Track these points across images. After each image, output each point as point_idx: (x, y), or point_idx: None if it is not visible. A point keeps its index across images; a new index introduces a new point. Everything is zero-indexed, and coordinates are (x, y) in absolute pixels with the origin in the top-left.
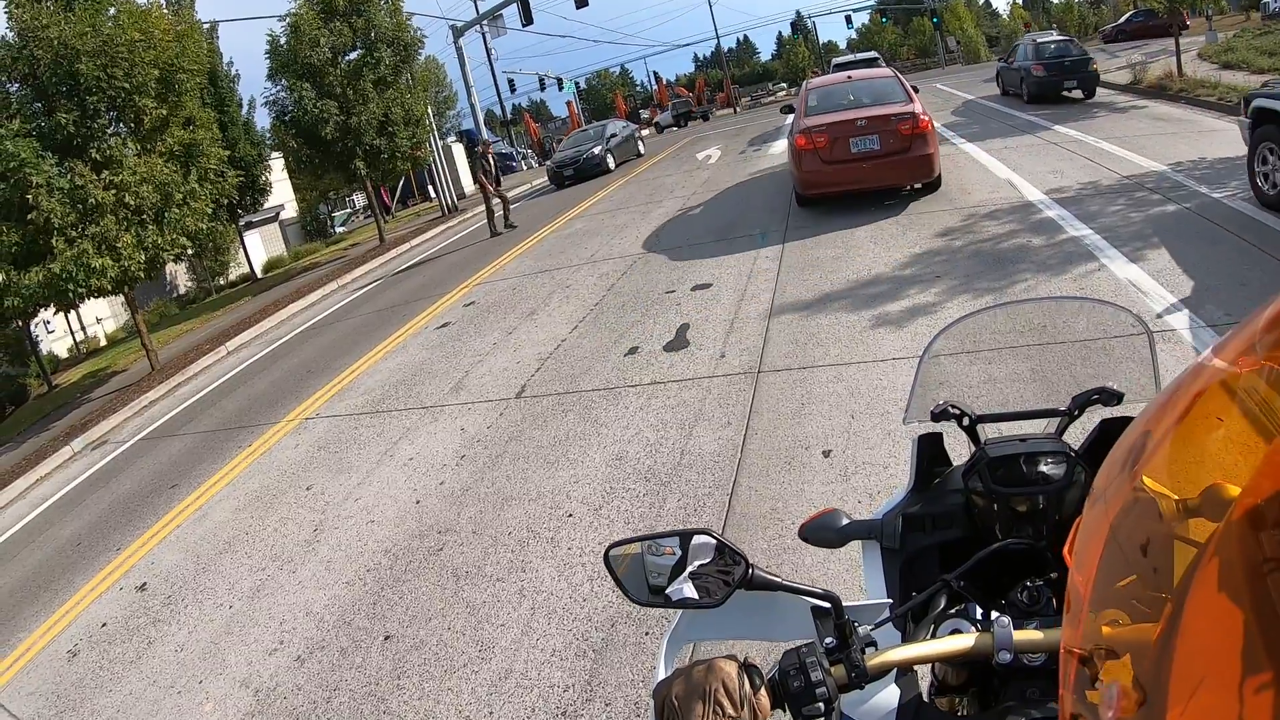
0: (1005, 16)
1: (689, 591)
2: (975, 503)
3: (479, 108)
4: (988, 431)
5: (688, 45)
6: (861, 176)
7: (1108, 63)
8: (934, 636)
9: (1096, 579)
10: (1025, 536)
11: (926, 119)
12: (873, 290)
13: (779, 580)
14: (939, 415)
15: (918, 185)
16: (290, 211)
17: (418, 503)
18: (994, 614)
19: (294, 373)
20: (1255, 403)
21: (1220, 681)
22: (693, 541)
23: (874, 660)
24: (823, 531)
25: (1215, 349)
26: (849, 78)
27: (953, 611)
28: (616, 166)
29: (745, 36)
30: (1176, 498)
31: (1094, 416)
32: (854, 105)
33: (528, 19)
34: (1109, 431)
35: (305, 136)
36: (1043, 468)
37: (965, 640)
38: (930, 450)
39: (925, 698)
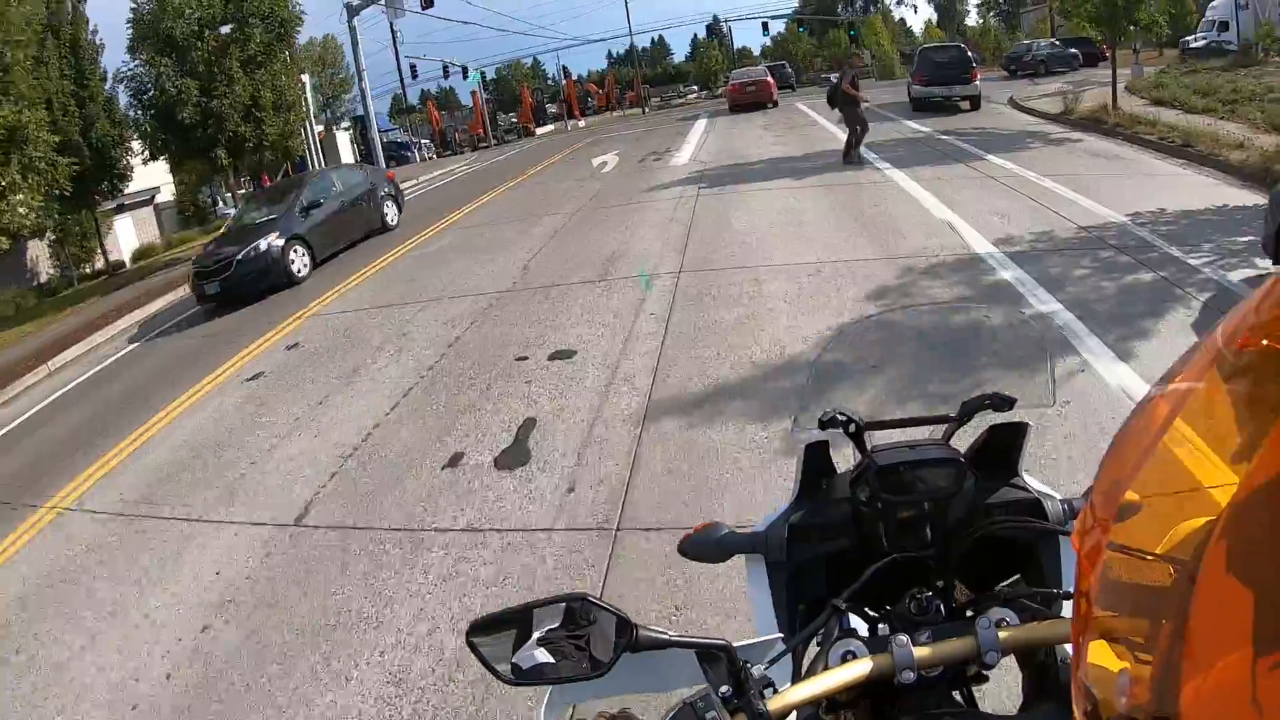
0: (919, 35)
1: (542, 658)
2: (862, 512)
3: (370, 93)
4: (876, 439)
5: (601, 41)
6: (748, 99)
7: (1029, 90)
8: (827, 664)
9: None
10: (912, 544)
11: (770, 83)
12: (786, 383)
13: (667, 637)
14: (827, 423)
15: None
16: (169, 194)
17: None
18: (882, 627)
19: (92, 422)
20: (1260, 382)
21: (1233, 663)
22: (566, 608)
23: (776, 704)
24: (704, 546)
25: (1221, 328)
26: (747, 74)
27: (841, 632)
28: (315, 268)
29: (660, 36)
30: (1185, 480)
31: (984, 421)
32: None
33: (427, 1)
34: (997, 437)
35: (161, 119)
36: (930, 475)
37: (864, 666)
38: (817, 459)
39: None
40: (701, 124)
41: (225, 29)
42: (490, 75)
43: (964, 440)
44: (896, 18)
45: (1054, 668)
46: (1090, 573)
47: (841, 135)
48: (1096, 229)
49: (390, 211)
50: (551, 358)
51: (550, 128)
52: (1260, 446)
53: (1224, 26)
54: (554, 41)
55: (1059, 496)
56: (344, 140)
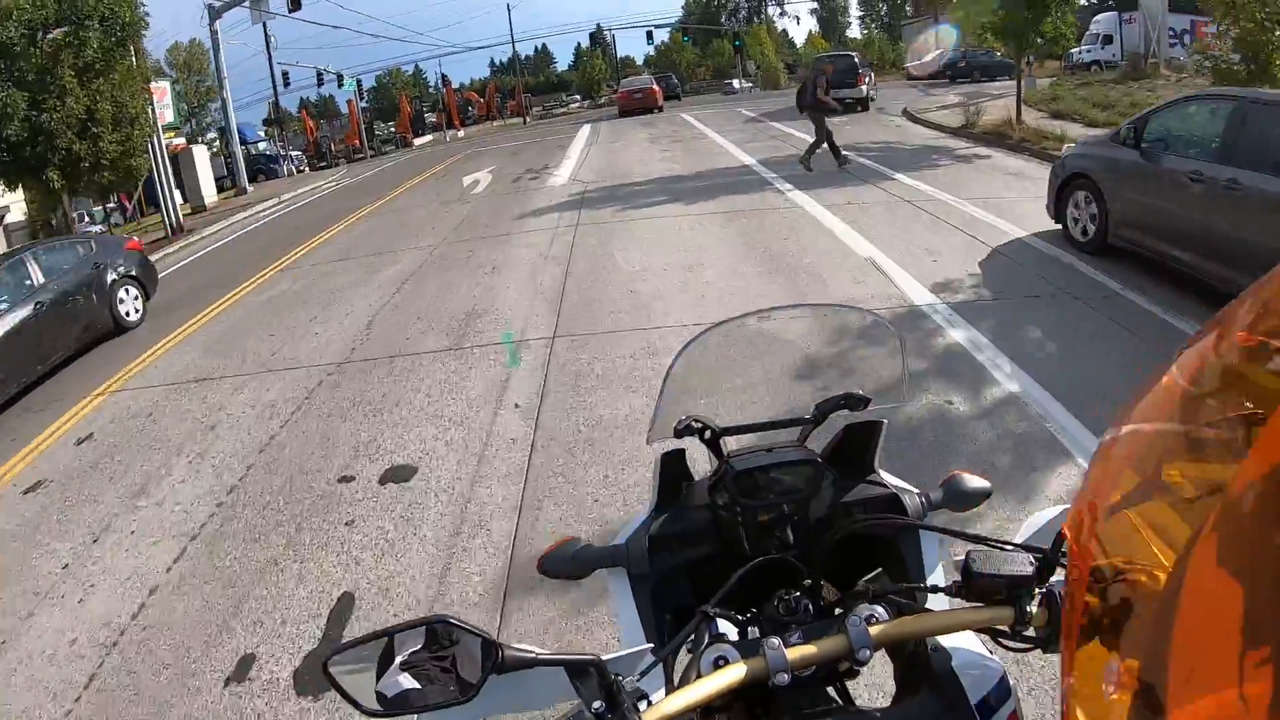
0: (801, 46)
1: (407, 684)
2: (722, 517)
3: (231, 103)
4: (733, 444)
5: (484, 48)
6: (636, 105)
7: (924, 101)
8: (700, 671)
9: (1095, 559)
10: (775, 546)
11: (656, 90)
12: None
13: (534, 655)
14: (682, 431)
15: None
16: (19, 214)
17: None
18: (752, 630)
19: None
20: (1252, 377)
21: (1220, 656)
22: (428, 630)
23: (651, 716)
24: (563, 563)
25: (1217, 322)
26: (635, 83)
27: (710, 638)
28: None
29: (544, 45)
30: (1177, 474)
31: (840, 421)
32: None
33: (295, 4)
34: (852, 436)
35: None
36: (788, 476)
37: (738, 671)
38: (674, 467)
39: None
40: (584, 136)
41: (57, 33)
42: (369, 83)
43: (821, 441)
44: (779, 29)
45: (924, 657)
46: (1079, 583)
47: (734, 150)
48: (1039, 268)
49: (129, 304)
50: (383, 479)
51: (429, 138)
52: (1253, 444)
53: (1108, 40)
54: (435, 48)
55: (915, 490)
56: (202, 156)
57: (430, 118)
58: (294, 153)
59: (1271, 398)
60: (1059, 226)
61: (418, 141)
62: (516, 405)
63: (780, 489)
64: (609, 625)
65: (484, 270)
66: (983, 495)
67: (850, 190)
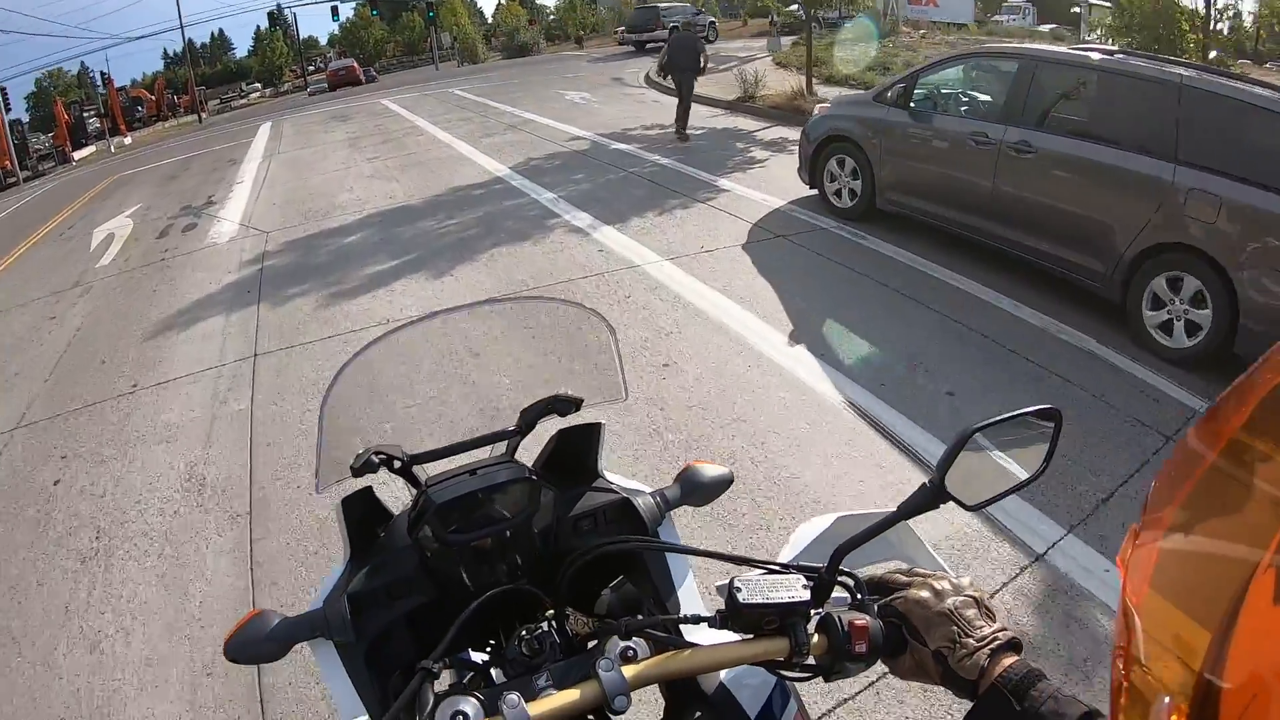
0: (492, 15)
1: None
2: (431, 556)
3: None
4: (432, 470)
5: (150, 37)
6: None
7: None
8: None
9: (1149, 590)
10: (502, 575)
11: (357, 67)
12: None
13: None
14: (362, 469)
15: None
16: None
17: None
18: (497, 672)
19: None
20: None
21: (1275, 692)
22: None
23: None
24: (254, 645)
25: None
26: (341, 64)
27: (435, 697)
28: None
29: (220, 30)
30: (1236, 515)
31: (550, 427)
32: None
33: None
34: (568, 441)
35: None
36: (500, 499)
37: None
38: (361, 510)
39: None
40: (264, 137)
41: None
42: (26, 89)
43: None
44: None
45: (693, 682)
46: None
47: (469, 151)
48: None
49: None
50: None
51: (91, 149)
52: None
53: None
54: (86, 42)
55: (648, 490)
56: None
57: (94, 123)
58: None
59: None
60: (814, 192)
61: (78, 155)
62: None
63: (494, 513)
64: None
65: (83, 543)
66: (723, 485)
67: (684, 220)
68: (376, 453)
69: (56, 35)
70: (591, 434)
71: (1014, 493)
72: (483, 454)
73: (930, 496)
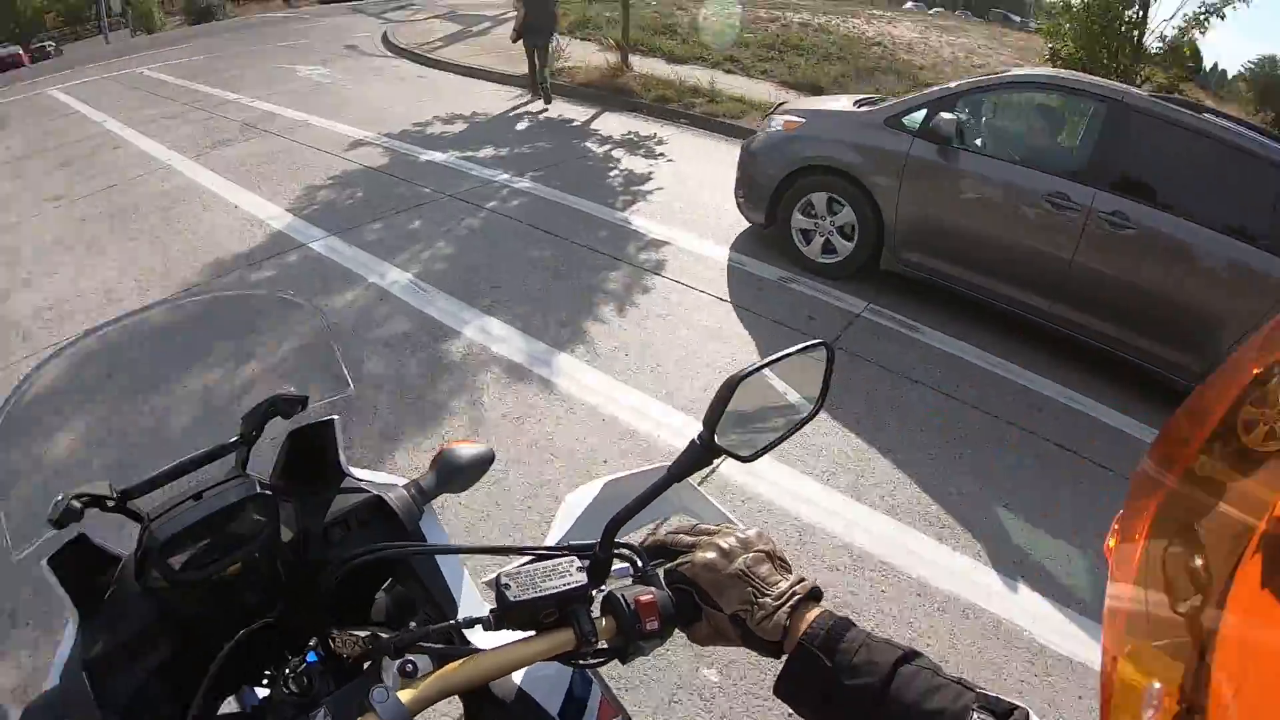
0: None
1: None
2: (167, 599)
3: None
4: (155, 501)
5: None
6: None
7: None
8: None
9: (1135, 583)
10: (252, 604)
11: (23, 54)
12: None
13: None
14: (62, 519)
15: None
16: None
17: None
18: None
19: None
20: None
21: (1264, 678)
22: None
23: None
24: None
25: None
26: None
27: None
28: None
29: None
30: (1218, 504)
31: (279, 430)
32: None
33: None
34: (302, 442)
35: None
36: (236, 522)
37: None
38: (78, 562)
39: None
40: None
41: None
42: None
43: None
44: None
45: (486, 688)
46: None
47: (212, 181)
48: None
49: None
50: None
51: None
52: None
53: None
54: None
55: (401, 482)
56: None
57: None
58: None
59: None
60: (754, 226)
61: None
62: None
63: (228, 539)
64: None
65: None
66: (483, 464)
67: (643, 318)
68: (77, 496)
69: None
70: (327, 430)
71: (790, 435)
72: (216, 471)
73: (701, 453)
